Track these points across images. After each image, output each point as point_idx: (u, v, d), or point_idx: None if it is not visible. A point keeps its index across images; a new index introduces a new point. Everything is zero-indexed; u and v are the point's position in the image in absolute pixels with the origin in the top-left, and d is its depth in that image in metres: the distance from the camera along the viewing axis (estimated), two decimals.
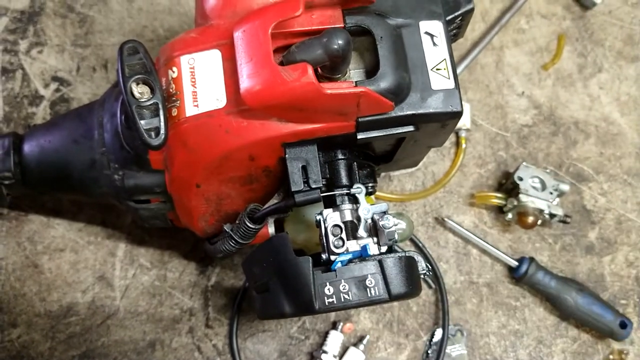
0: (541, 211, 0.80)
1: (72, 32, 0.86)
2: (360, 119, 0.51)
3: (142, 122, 0.51)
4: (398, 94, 0.50)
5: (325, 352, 0.75)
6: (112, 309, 0.76)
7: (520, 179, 0.81)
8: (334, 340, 0.76)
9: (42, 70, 0.84)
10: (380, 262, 0.52)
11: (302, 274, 0.51)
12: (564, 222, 0.82)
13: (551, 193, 0.81)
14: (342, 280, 0.51)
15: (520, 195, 0.80)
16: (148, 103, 0.51)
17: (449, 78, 0.52)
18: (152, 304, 0.77)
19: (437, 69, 0.52)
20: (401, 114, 0.51)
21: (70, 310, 0.76)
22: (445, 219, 0.82)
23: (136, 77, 0.51)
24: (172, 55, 0.54)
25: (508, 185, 0.83)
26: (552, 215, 0.80)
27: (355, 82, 0.49)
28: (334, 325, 0.77)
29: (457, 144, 0.87)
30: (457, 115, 0.52)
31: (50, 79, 0.83)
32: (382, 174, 0.85)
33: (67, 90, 0.83)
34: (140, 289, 0.77)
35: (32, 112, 0.82)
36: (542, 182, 0.81)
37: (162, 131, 0.51)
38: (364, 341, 0.77)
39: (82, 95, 0.83)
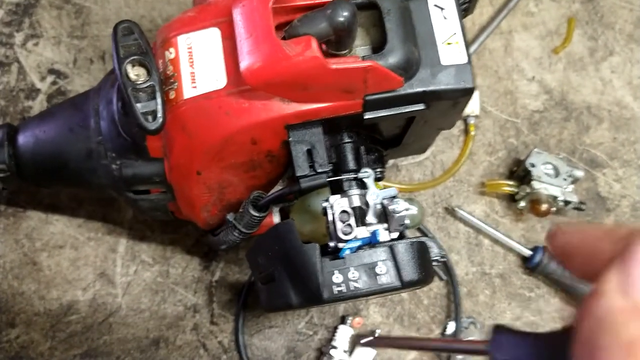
0: (555, 198, 0.77)
1: (68, 23, 0.84)
2: (367, 97, 0.48)
3: (139, 105, 0.48)
4: (407, 69, 0.47)
5: (334, 347, 0.72)
6: (114, 307, 0.74)
7: (533, 165, 0.78)
8: (344, 335, 0.73)
9: (38, 62, 0.82)
10: (391, 248, 0.49)
11: (308, 262, 0.49)
12: (578, 209, 0.79)
13: (565, 179, 0.78)
14: (351, 268, 0.49)
15: (533, 182, 0.77)
16: (144, 85, 0.49)
17: (460, 53, 0.49)
18: (154, 300, 0.74)
19: (448, 44, 0.49)
20: (411, 91, 0.48)
21: (70, 308, 0.73)
22: (456, 209, 0.80)
23: (131, 58, 0.49)
24: (169, 35, 0.51)
25: (520, 173, 0.81)
26: (566, 203, 0.77)
27: (362, 56, 0.47)
28: (343, 320, 0.75)
29: (466, 131, 0.84)
30: (469, 92, 0.50)
31: (47, 72, 0.81)
32: (390, 164, 0.82)
33: (64, 83, 0.81)
34: (143, 285, 0.75)
35: (29, 105, 0.80)
36: (555, 169, 0.79)
37: (160, 114, 0.48)
38: (375, 336, 0.74)
39: (79, 87, 0.81)
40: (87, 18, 0.84)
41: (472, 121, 0.84)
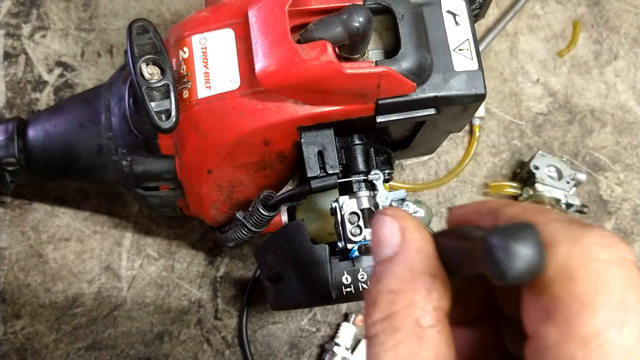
0: (558, 201, 0.78)
1: (76, 16, 0.84)
2: (380, 101, 0.49)
3: (152, 104, 0.49)
4: (420, 74, 0.48)
5: (337, 344, 0.73)
6: (119, 300, 0.74)
7: (537, 167, 0.79)
8: (346, 333, 0.74)
9: (46, 55, 0.82)
10: None
11: (318, 262, 0.49)
12: (581, 212, 0.80)
13: (568, 182, 0.79)
14: (361, 269, 0.49)
15: (537, 185, 0.78)
16: (158, 84, 0.49)
17: (472, 59, 0.50)
18: (159, 295, 0.75)
19: (460, 50, 0.50)
20: (423, 96, 0.49)
21: (75, 301, 0.74)
22: None
23: (146, 57, 0.49)
24: (183, 35, 0.51)
25: (523, 175, 0.81)
26: (568, 205, 0.78)
27: (376, 61, 0.47)
28: (346, 317, 0.75)
29: (471, 132, 0.84)
30: (481, 98, 0.50)
31: (54, 64, 0.81)
32: (395, 163, 0.83)
33: (71, 75, 0.81)
34: (148, 279, 0.75)
35: (36, 97, 0.80)
36: (559, 172, 0.79)
37: (174, 113, 0.49)
38: None
39: (86, 80, 0.81)
40: (95, 11, 0.84)
41: (477, 122, 0.84)
